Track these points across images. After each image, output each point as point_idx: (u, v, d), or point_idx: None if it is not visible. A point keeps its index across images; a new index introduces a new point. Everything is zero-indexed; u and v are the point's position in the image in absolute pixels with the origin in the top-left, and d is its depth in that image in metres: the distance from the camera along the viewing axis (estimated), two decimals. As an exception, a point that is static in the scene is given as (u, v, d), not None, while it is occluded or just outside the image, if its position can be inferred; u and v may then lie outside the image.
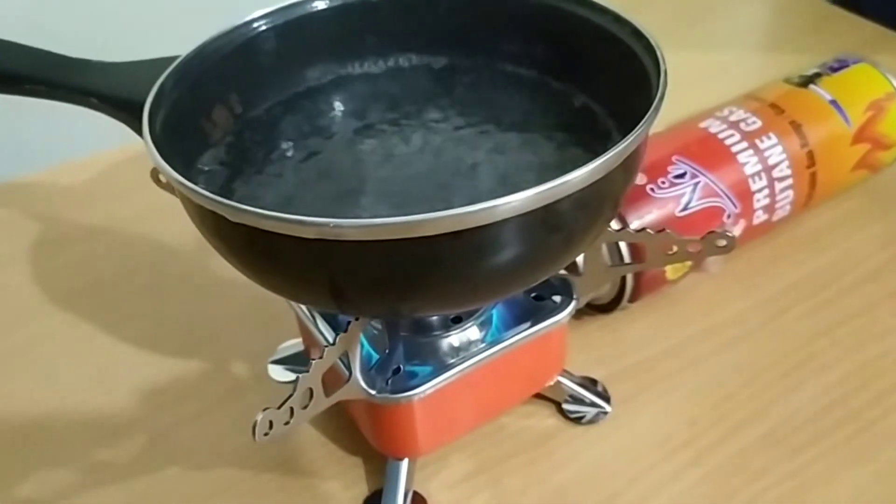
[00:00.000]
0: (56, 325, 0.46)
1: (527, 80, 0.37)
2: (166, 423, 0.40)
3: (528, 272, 0.29)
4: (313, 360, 0.29)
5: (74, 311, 0.47)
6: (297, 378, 0.28)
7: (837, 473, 0.36)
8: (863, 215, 0.49)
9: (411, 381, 0.33)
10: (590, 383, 0.40)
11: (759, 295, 0.44)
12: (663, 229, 0.32)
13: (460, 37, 0.37)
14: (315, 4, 0.36)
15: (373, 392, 0.33)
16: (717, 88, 0.50)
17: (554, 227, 0.27)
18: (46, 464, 0.39)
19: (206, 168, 0.33)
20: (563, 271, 0.37)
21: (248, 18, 0.35)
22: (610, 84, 0.33)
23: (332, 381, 0.30)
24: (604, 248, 0.35)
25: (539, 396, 0.40)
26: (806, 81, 0.47)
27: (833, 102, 0.45)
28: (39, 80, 0.34)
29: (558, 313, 0.36)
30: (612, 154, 0.26)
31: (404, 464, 0.36)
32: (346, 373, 0.31)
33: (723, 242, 0.31)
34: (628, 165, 0.27)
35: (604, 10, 0.33)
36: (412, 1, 0.37)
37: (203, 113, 0.33)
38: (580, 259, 0.36)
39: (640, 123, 0.26)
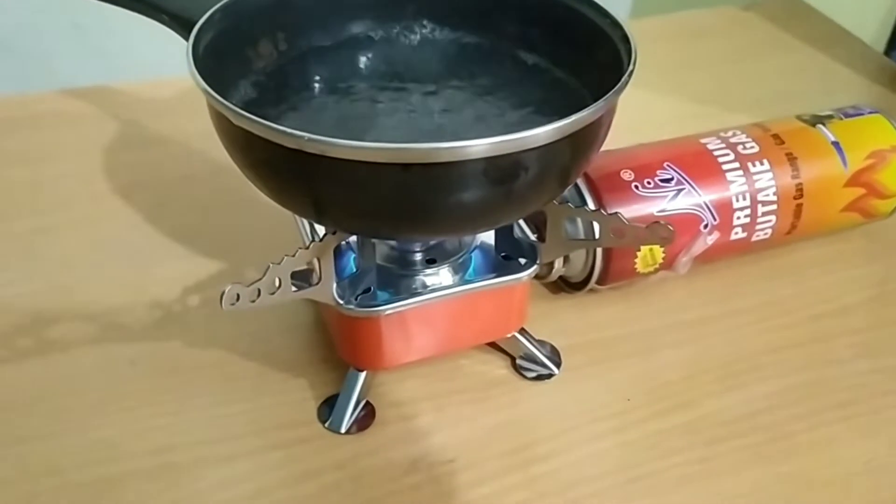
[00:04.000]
0: (110, 209, 0.53)
1: (535, 66, 0.41)
2: (177, 306, 0.47)
3: (485, 214, 0.33)
4: (286, 255, 0.34)
5: (129, 200, 0.54)
6: (269, 265, 0.34)
7: (743, 469, 0.39)
8: (851, 258, 0.51)
9: (376, 300, 0.39)
10: (545, 347, 0.44)
11: (725, 306, 0.48)
12: (616, 213, 0.36)
13: (489, 19, 0.42)
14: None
15: (341, 301, 0.38)
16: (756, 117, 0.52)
17: (508, 176, 0.31)
18: (74, 315, 0.46)
19: (243, 90, 0.39)
20: (532, 237, 0.42)
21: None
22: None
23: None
24: (565, 222, 0.39)
25: (498, 349, 0.44)
26: (816, 121, 0.49)
27: (835, 144, 0.48)
28: (124, -8, 0.41)
29: (521, 272, 0.40)
30: (557, 125, 0.30)
31: (362, 375, 0.41)
32: (319, 277, 0.37)
33: (664, 233, 0.35)
34: (577, 140, 0.32)
35: (605, 13, 0.37)
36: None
37: (248, 43, 0.39)
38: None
39: (586, 108, 0.31)
